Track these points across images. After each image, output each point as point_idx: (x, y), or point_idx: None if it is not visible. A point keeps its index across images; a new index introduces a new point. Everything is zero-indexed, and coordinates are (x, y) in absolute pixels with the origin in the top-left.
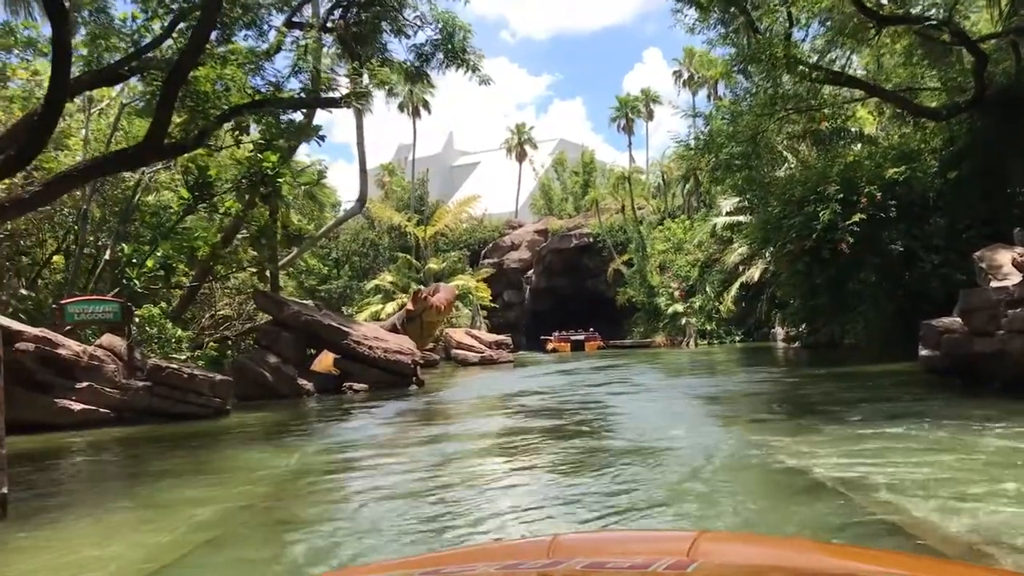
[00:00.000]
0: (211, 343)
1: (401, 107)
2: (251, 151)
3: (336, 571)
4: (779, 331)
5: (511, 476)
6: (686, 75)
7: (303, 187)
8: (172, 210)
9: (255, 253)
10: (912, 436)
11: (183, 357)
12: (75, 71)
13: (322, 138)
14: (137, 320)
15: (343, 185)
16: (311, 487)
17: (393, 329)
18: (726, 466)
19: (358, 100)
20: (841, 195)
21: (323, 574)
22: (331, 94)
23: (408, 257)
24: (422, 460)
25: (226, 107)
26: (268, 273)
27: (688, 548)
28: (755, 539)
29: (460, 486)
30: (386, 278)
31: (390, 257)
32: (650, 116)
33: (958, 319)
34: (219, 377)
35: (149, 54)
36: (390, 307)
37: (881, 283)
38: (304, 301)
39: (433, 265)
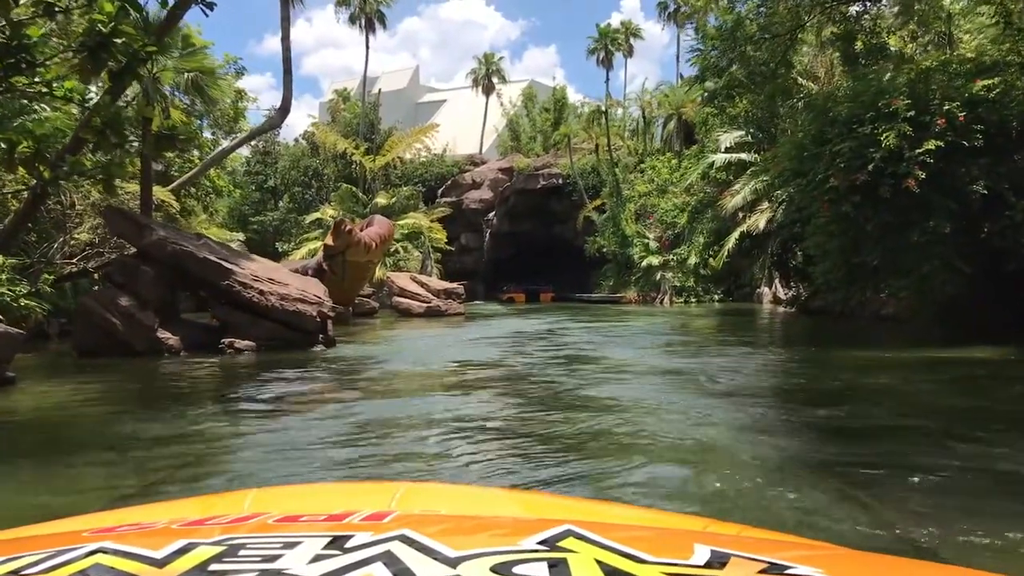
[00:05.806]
0: (47, 276)
1: (352, 19)
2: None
3: None
4: (766, 291)
5: None
6: (672, 7)
7: (187, 74)
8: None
9: (138, 157)
10: None
11: (20, 291)
12: None
13: (210, 6)
14: None
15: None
16: None
17: (318, 270)
18: None
19: None
20: (911, 113)
21: None
22: None
23: (352, 188)
24: None
25: None
26: (119, 184)
27: (390, 499)
28: (459, 490)
29: None
30: (327, 211)
31: (335, 188)
32: (630, 52)
33: None
34: None
35: None
36: None
37: (953, 236)
38: (179, 230)
39: (381, 200)
